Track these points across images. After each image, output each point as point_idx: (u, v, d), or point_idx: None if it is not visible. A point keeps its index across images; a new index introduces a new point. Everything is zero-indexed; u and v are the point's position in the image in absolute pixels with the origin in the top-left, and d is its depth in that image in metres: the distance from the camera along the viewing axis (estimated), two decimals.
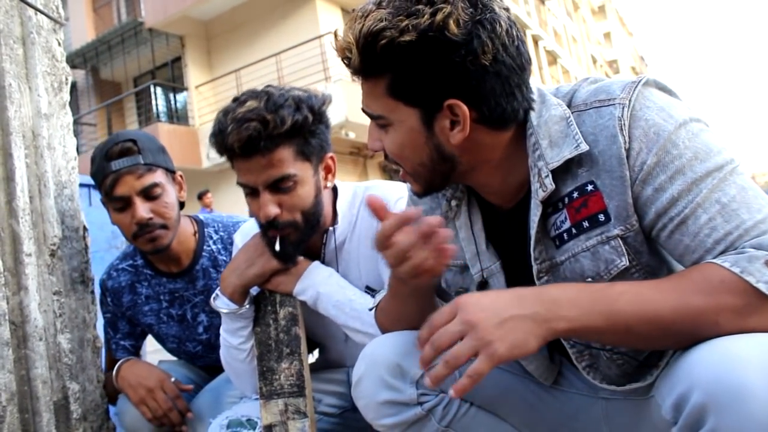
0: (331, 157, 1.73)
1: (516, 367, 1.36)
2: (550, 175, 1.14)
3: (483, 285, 1.31)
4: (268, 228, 1.64)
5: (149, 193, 1.91)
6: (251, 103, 1.58)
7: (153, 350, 2.20)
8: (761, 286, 0.92)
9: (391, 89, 1.14)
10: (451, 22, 1.06)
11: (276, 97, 1.59)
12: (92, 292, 2.10)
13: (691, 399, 0.88)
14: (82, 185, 2.64)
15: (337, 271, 1.76)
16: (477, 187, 1.29)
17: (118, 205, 1.91)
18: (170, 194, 1.97)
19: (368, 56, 1.11)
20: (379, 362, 1.30)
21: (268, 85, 1.67)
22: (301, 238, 1.67)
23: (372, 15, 1.09)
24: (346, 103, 12.83)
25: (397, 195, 1.75)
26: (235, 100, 1.64)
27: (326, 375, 1.95)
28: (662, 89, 1.13)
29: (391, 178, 18.56)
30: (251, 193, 1.65)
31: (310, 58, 13.98)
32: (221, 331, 1.79)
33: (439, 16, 1.06)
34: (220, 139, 1.60)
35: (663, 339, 1.01)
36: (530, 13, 28.74)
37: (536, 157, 1.16)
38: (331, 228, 1.77)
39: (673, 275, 1.04)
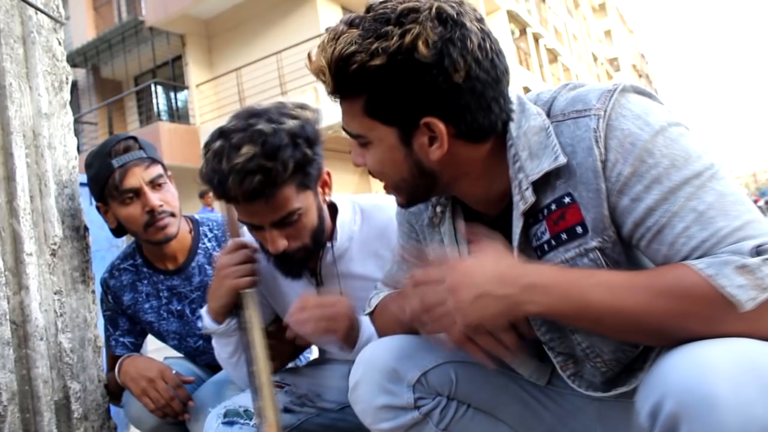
0: (327, 173, 1.72)
1: (512, 369, 1.36)
2: (531, 188, 1.14)
3: None
4: (279, 255, 1.66)
5: (156, 183, 1.99)
6: (248, 150, 1.50)
7: (155, 348, 2.21)
8: (731, 291, 0.91)
9: (367, 109, 1.15)
10: (420, 43, 1.06)
11: (272, 139, 1.52)
12: (93, 292, 2.10)
13: (664, 408, 0.89)
14: (83, 184, 2.65)
15: (339, 286, 1.78)
16: (461, 197, 1.29)
17: (127, 197, 1.97)
18: (171, 187, 2.06)
19: (341, 80, 1.13)
20: (376, 367, 1.31)
21: (255, 114, 1.59)
22: (310, 255, 1.71)
23: (343, 38, 1.09)
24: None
25: (394, 206, 1.74)
26: (224, 136, 1.55)
27: (327, 370, 1.95)
28: (641, 93, 1.12)
29: None
30: (255, 228, 1.65)
31: None
32: (214, 344, 1.84)
33: (408, 38, 1.06)
34: (219, 188, 1.54)
35: (631, 334, 1.03)
36: (531, 11, 28.72)
37: (516, 169, 1.16)
38: (328, 243, 1.77)
39: (649, 271, 1.04)
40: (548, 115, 1.16)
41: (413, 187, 1.22)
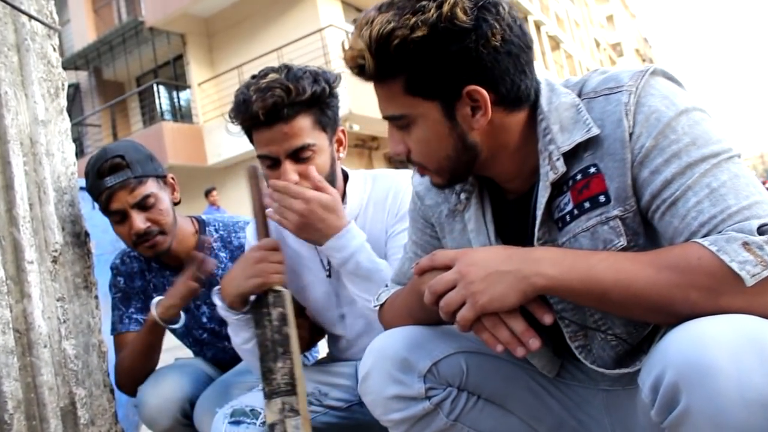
0: (342, 131, 1.81)
1: (523, 361, 1.37)
2: (561, 158, 1.17)
3: None
4: None
5: (143, 204, 2.00)
6: (273, 75, 1.66)
7: (166, 348, 2.22)
8: (734, 266, 0.93)
9: (408, 87, 1.17)
10: (458, 10, 1.10)
11: (295, 70, 1.68)
12: (96, 297, 2.10)
13: (665, 379, 0.91)
14: (83, 189, 2.65)
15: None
16: (495, 175, 1.31)
17: (115, 218, 2.01)
18: (163, 201, 2.06)
19: (382, 59, 1.14)
20: (387, 357, 1.30)
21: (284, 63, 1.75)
22: None
23: (377, 19, 1.12)
24: (350, 96, 12.81)
25: (405, 183, 1.82)
26: (255, 75, 1.71)
27: (334, 368, 1.96)
28: (669, 79, 1.16)
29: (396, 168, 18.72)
30: (271, 165, 1.71)
31: (312, 51, 13.95)
32: (229, 327, 1.84)
33: (446, 8, 1.10)
34: (243, 108, 1.66)
35: (637, 309, 1.04)
36: None
37: (547, 142, 1.19)
38: None
39: (656, 250, 1.06)
40: (579, 95, 1.21)
41: (456, 164, 1.23)
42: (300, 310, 1.93)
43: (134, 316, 2.20)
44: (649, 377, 0.95)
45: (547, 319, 1.10)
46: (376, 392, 1.31)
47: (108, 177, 1.97)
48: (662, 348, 0.94)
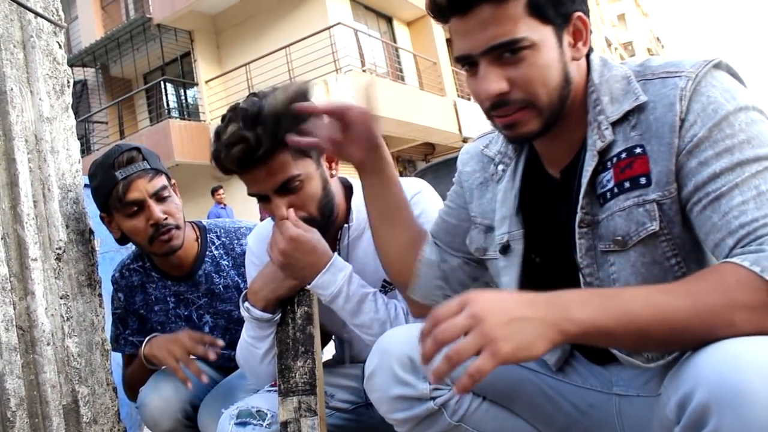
0: None
1: (530, 363, 1.36)
2: (610, 128, 1.17)
3: (505, 249, 1.34)
4: None
5: (160, 195, 1.99)
6: (232, 127, 1.61)
7: None
8: None
9: (531, 6, 1.13)
10: None
11: (251, 112, 1.60)
12: (99, 295, 2.10)
13: (694, 398, 0.87)
14: (88, 186, 2.65)
15: (357, 265, 1.77)
16: (545, 141, 1.28)
17: (131, 210, 1.97)
18: (176, 197, 2.06)
19: None
20: (392, 356, 1.30)
21: (251, 95, 1.69)
22: (319, 228, 1.71)
23: None
24: (357, 94, 12.80)
25: (414, 189, 1.78)
26: (223, 121, 1.67)
27: (340, 370, 1.95)
28: (733, 75, 1.14)
29: (404, 169, 18.48)
30: (262, 200, 1.69)
31: (320, 49, 13.94)
32: (244, 336, 1.82)
33: None
34: (218, 163, 1.67)
35: (679, 341, 0.97)
36: None
37: (596, 112, 1.20)
38: (346, 225, 1.80)
39: (686, 278, 1.01)
40: (636, 75, 1.20)
41: (559, 99, 1.18)
42: None
43: (130, 338, 2.21)
44: (677, 393, 0.91)
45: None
46: (381, 390, 1.31)
47: (125, 167, 1.96)
48: (693, 365, 0.90)
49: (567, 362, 1.38)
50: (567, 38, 1.17)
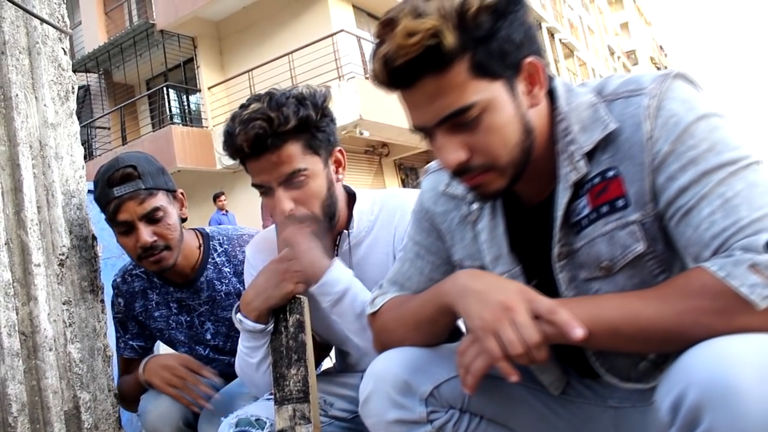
0: (340, 151, 1.76)
1: (526, 379, 1.34)
2: (584, 158, 1.15)
3: None
4: None
5: (151, 217, 1.96)
6: (255, 105, 1.63)
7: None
8: (744, 290, 0.92)
9: (475, 68, 1.08)
10: None
11: (278, 97, 1.64)
12: (102, 301, 2.11)
13: (687, 399, 0.88)
14: (92, 192, 2.65)
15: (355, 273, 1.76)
16: (522, 179, 1.25)
17: (121, 229, 1.97)
18: (171, 215, 2.02)
19: (461, 32, 1.06)
20: (387, 380, 1.28)
21: (272, 88, 1.71)
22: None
23: (434, 0, 1.07)
24: (360, 101, 12.81)
25: (409, 194, 1.79)
26: (242, 106, 1.68)
27: (339, 379, 1.94)
28: (691, 83, 1.14)
29: (406, 177, 18.45)
30: (266, 192, 1.68)
31: (323, 56, 13.96)
32: (240, 346, 1.81)
33: None
34: (230, 141, 1.65)
35: (652, 342, 1.03)
36: (545, 6, 28.62)
37: (567, 142, 1.17)
38: (345, 231, 1.79)
39: (662, 283, 1.06)
40: (597, 96, 1.18)
41: (522, 153, 1.15)
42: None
43: (130, 342, 2.21)
44: (669, 396, 0.92)
45: (514, 378, 1.07)
46: (378, 415, 1.29)
47: (118, 186, 1.93)
48: (683, 366, 0.92)
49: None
50: (521, 86, 1.13)
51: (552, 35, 28.67)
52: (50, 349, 1.85)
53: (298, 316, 1.72)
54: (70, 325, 1.94)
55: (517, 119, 1.13)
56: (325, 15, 15.24)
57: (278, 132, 1.60)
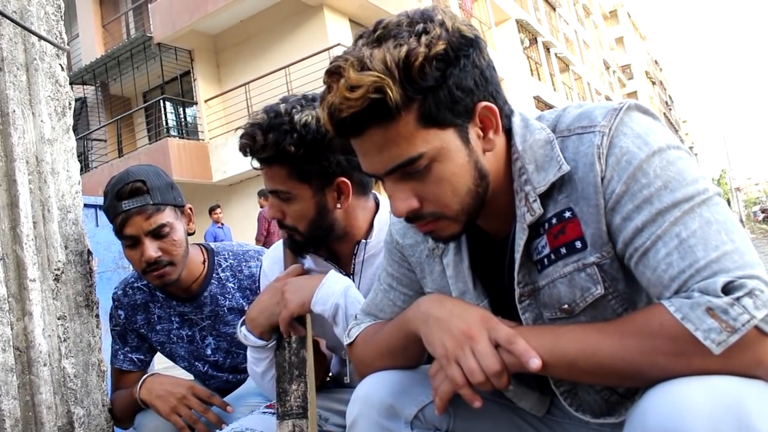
0: (344, 182, 1.72)
1: (510, 400, 1.35)
2: (538, 200, 1.13)
3: None
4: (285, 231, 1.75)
5: (157, 233, 1.97)
6: (260, 116, 1.67)
7: (163, 368, 2.23)
8: (699, 335, 0.91)
9: (423, 118, 1.06)
10: (459, 24, 1.08)
11: (279, 118, 1.64)
12: (97, 316, 2.11)
13: None
14: (88, 206, 2.66)
15: (358, 284, 1.78)
16: (481, 218, 1.23)
17: (128, 243, 1.98)
18: (178, 231, 2.04)
19: (405, 85, 1.04)
20: (373, 404, 1.28)
21: (288, 98, 1.72)
22: (306, 241, 1.74)
23: (380, 50, 1.04)
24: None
25: None
26: (264, 109, 1.72)
27: (335, 394, 1.95)
28: (646, 114, 1.11)
29: None
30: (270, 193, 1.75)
31: (320, 70, 13.93)
32: (248, 352, 1.84)
33: (449, 23, 1.07)
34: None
35: (608, 377, 1.03)
36: (541, 20, 28.77)
37: (523, 182, 1.15)
38: (363, 240, 1.80)
39: (622, 318, 1.06)
40: (554, 131, 1.16)
41: (475, 200, 1.14)
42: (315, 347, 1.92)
43: (129, 355, 2.20)
44: None
45: (477, 404, 1.09)
46: None
47: (126, 200, 1.94)
48: (641, 412, 0.93)
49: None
50: (474, 132, 1.11)
51: (548, 50, 28.79)
52: (45, 364, 1.85)
53: (304, 332, 1.73)
54: (64, 340, 1.95)
55: (469, 166, 1.11)
56: (321, 29, 15.29)
57: (255, 154, 1.66)
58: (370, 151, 1.12)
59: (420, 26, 1.05)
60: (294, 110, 1.65)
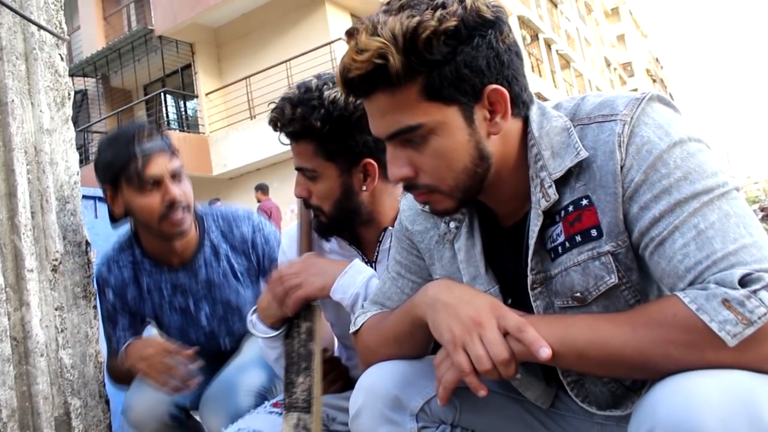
0: (370, 163, 1.71)
1: (516, 392, 1.34)
2: (554, 186, 1.13)
3: None
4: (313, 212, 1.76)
5: (176, 175, 1.97)
6: (292, 91, 1.68)
7: None
8: (714, 326, 0.90)
9: (427, 91, 1.08)
10: (480, 4, 1.07)
11: (309, 93, 1.65)
12: (95, 307, 2.10)
13: None
14: (87, 197, 2.65)
15: (380, 272, 1.73)
16: (491, 200, 1.25)
17: (147, 186, 1.93)
18: (188, 182, 2.04)
19: (409, 56, 1.05)
20: (378, 395, 1.27)
21: (322, 75, 1.71)
22: (331, 223, 1.74)
23: (395, 18, 1.05)
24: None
25: None
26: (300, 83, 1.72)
27: (343, 393, 1.94)
28: (666, 105, 1.11)
29: None
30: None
31: (321, 64, 13.97)
32: (259, 342, 1.83)
33: (469, 1, 1.07)
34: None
35: (618, 368, 1.02)
36: (542, 17, 28.73)
37: (538, 168, 1.15)
38: (390, 227, 1.77)
39: (633, 309, 1.04)
40: (572, 119, 1.16)
41: (472, 179, 1.15)
42: (335, 363, 1.91)
43: (121, 333, 2.14)
44: None
45: (482, 392, 1.07)
46: (368, 430, 1.28)
47: (148, 142, 1.93)
48: (651, 404, 0.92)
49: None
50: (480, 113, 1.11)
51: (549, 46, 28.76)
52: (42, 355, 1.85)
53: (309, 323, 1.71)
54: (62, 330, 1.94)
55: (469, 145, 1.12)
56: (323, 23, 15.28)
57: (283, 128, 1.66)
58: (375, 114, 1.15)
59: (438, 1, 1.07)
60: (325, 86, 1.65)
